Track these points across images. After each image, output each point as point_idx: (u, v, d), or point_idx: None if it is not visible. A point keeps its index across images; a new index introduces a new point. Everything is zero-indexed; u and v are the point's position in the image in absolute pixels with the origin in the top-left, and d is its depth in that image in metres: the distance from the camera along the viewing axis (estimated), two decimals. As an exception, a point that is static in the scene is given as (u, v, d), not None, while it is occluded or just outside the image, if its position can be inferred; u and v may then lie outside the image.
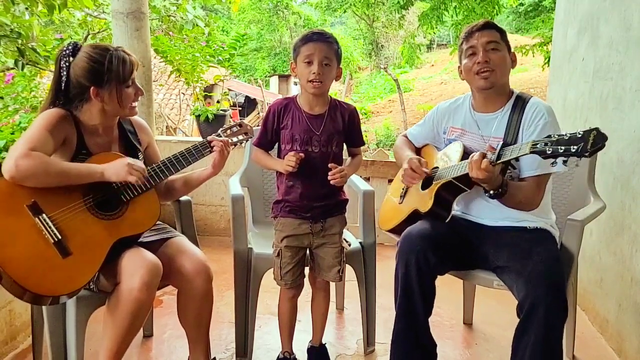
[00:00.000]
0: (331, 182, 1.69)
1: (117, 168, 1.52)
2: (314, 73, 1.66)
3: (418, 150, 2.02)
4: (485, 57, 1.69)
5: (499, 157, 1.48)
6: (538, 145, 1.34)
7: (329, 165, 1.70)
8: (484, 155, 1.50)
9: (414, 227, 1.73)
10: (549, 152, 1.32)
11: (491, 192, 1.58)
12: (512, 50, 1.77)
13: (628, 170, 2.09)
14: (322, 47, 1.67)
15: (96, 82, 1.56)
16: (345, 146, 1.86)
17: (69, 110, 1.60)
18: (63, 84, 1.58)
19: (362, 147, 1.90)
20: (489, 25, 1.73)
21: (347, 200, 1.87)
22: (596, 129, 1.26)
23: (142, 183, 1.56)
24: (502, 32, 1.74)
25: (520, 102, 1.74)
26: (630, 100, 2.10)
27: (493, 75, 1.70)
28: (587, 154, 1.26)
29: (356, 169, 1.87)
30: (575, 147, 1.27)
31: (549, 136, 1.34)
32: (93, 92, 1.56)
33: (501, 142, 1.65)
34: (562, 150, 1.29)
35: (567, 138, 1.30)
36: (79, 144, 1.59)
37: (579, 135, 1.27)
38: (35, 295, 1.39)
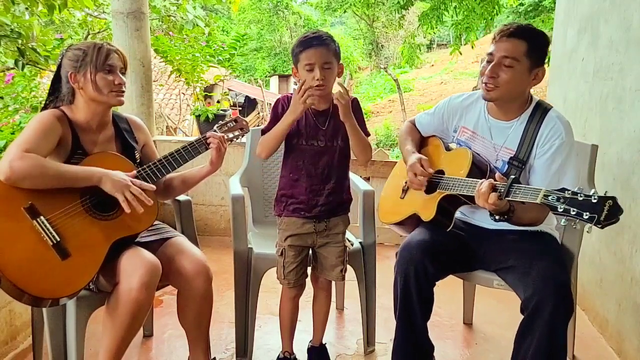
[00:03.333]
0: (334, 98, 1.64)
1: (115, 180, 1.51)
2: (317, 79, 1.65)
3: (424, 140, 1.96)
4: (492, 72, 1.60)
5: (507, 194, 1.41)
6: (550, 198, 1.28)
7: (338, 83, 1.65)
8: (492, 188, 1.44)
9: (413, 238, 1.71)
10: (560, 210, 1.26)
11: (497, 217, 1.53)
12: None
13: (628, 170, 2.09)
14: (322, 52, 1.66)
15: (74, 67, 1.59)
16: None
17: (62, 111, 1.61)
18: (56, 79, 1.63)
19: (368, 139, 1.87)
20: (518, 34, 1.58)
21: (351, 199, 1.87)
22: (613, 198, 1.20)
23: (129, 206, 1.51)
24: (532, 43, 1.58)
25: (539, 114, 1.66)
26: (630, 100, 2.10)
27: (495, 91, 1.62)
28: (599, 226, 1.21)
29: (362, 138, 1.75)
30: (588, 214, 1.21)
31: (563, 190, 1.27)
32: (71, 77, 1.59)
33: (512, 177, 1.63)
34: (573, 213, 1.23)
35: (580, 200, 1.23)
36: (74, 144, 1.60)
37: (594, 201, 1.21)
38: (34, 297, 1.40)
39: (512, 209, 1.52)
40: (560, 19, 3.19)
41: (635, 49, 2.09)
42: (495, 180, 1.47)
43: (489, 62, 1.63)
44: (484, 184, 1.46)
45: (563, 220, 1.28)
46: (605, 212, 1.20)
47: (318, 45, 1.66)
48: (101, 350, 1.53)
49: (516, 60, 1.58)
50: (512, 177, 1.44)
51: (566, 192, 1.26)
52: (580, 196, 1.23)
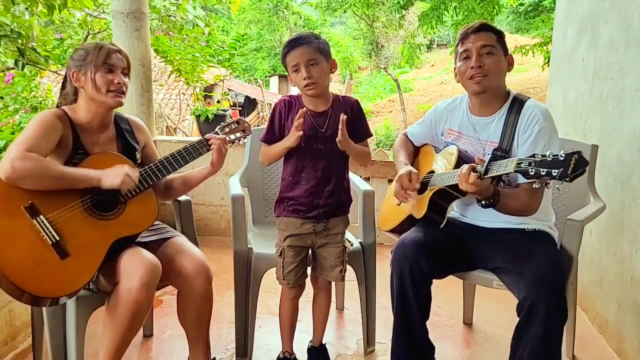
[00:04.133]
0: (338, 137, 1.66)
1: (113, 177, 1.52)
2: (305, 78, 1.67)
3: (417, 150, 2.01)
4: (478, 62, 1.65)
5: (486, 171, 1.46)
6: (522, 165, 1.34)
7: (341, 117, 1.66)
8: (472, 169, 1.48)
9: (407, 236, 1.73)
10: (532, 172, 1.31)
11: (483, 202, 1.56)
12: (510, 52, 1.73)
13: (628, 170, 2.09)
14: (304, 51, 1.68)
15: (76, 66, 1.61)
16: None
17: (63, 110, 1.61)
18: (65, 81, 1.64)
19: (369, 140, 1.87)
20: (485, 27, 1.69)
21: (350, 200, 1.87)
22: (578, 152, 1.26)
23: (130, 189, 1.55)
24: (498, 34, 1.70)
25: (517, 105, 1.70)
26: (630, 100, 2.10)
27: (486, 80, 1.66)
28: (567, 179, 1.26)
29: (361, 152, 1.79)
30: (557, 171, 1.27)
31: (533, 155, 1.33)
32: (73, 76, 1.61)
33: (490, 156, 1.65)
34: (544, 173, 1.29)
35: (550, 160, 1.29)
36: (75, 144, 1.60)
37: (561, 158, 1.27)
38: (33, 297, 1.39)
39: (497, 193, 1.55)
40: (560, 19, 3.19)
41: (635, 49, 2.09)
42: (476, 164, 1.51)
43: (466, 58, 1.69)
44: (464, 167, 1.50)
45: (537, 183, 1.33)
46: (572, 165, 1.26)
47: (299, 45, 1.68)
48: (101, 350, 1.52)
49: (494, 47, 1.67)
50: (490, 155, 1.49)
51: (536, 156, 1.33)
52: (549, 157, 1.30)
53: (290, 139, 1.69)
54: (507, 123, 1.70)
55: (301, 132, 1.66)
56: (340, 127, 1.66)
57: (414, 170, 1.76)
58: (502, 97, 1.74)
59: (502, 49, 1.69)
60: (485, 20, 1.74)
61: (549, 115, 1.68)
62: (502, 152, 1.68)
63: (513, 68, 1.74)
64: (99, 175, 1.52)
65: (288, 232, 1.79)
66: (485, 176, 1.46)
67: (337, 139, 1.68)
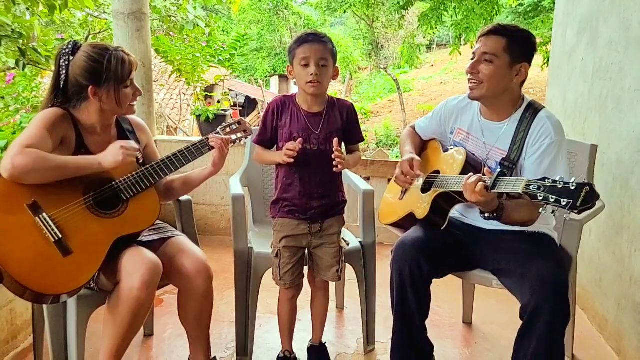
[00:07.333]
0: (334, 163, 1.68)
1: (112, 154, 1.52)
2: (312, 74, 1.66)
3: (424, 144, 1.98)
4: (472, 68, 1.63)
5: (493, 186, 1.42)
6: (531, 187, 1.30)
7: (334, 142, 1.68)
8: (480, 180, 1.45)
9: (407, 236, 1.72)
10: (540, 197, 1.28)
11: (486, 214, 1.54)
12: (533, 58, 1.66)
13: (627, 170, 2.09)
14: (318, 48, 1.67)
15: (94, 81, 1.56)
16: (344, 145, 1.86)
17: (67, 110, 1.60)
18: (62, 83, 1.58)
19: (362, 148, 1.90)
20: (497, 31, 1.62)
21: (345, 201, 1.87)
22: (589, 184, 1.22)
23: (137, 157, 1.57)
24: (511, 38, 1.61)
25: (530, 114, 1.66)
26: (629, 100, 2.10)
27: (479, 88, 1.64)
28: (575, 212, 1.23)
29: (356, 162, 1.84)
30: (565, 200, 1.23)
31: (544, 179, 1.29)
32: (91, 91, 1.56)
33: (497, 164, 1.63)
34: (552, 200, 1.25)
35: (560, 187, 1.25)
36: (77, 143, 1.60)
37: (572, 188, 1.23)
38: (36, 294, 1.40)
39: (501, 207, 1.52)
40: (559, 19, 3.20)
41: (634, 49, 2.09)
42: (483, 175, 1.48)
43: (472, 60, 1.67)
44: (472, 177, 1.47)
45: (542, 209, 1.30)
46: (582, 197, 1.22)
47: (315, 42, 1.68)
48: (102, 349, 1.53)
49: (495, 55, 1.61)
50: (499, 170, 1.45)
51: (546, 180, 1.29)
52: (560, 184, 1.26)
53: (280, 158, 1.70)
54: (517, 133, 1.66)
55: (291, 160, 1.67)
56: (335, 162, 1.66)
57: (417, 157, 1.76)
58: (514, 104, 1.70)
59: (508, 56, 1.61)
60: (500, 23, 1.67)
61: (560, 129, 1.65)
62: (509, 162, 1.67)
63: (525, 78, 1.67)
64: (98, 159, 1.52)
65: (284, 233, 1.79)
66: (492, 190, 1.43)
67: (334, 169, 1.68)
